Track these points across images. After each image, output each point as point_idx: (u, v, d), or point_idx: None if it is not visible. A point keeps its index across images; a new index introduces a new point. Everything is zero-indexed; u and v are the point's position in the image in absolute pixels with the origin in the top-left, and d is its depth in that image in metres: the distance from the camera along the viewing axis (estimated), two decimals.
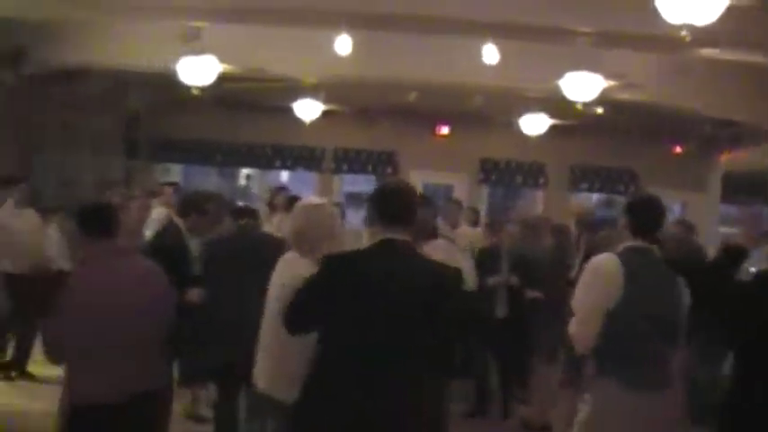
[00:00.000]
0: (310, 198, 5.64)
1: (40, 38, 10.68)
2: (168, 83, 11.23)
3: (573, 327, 4.39)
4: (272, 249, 5.11)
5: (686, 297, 4.48)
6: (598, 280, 4.34)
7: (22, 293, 7.81)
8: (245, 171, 18.18)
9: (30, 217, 8.40)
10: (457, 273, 3.88)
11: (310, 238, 4.45)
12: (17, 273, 8.10)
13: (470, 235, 10.18)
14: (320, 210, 4.64)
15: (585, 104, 10.37)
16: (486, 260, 8.25)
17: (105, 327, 4.08)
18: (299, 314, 3.85)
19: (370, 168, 16.39)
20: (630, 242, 4.44)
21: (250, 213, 7.00)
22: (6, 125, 11.85)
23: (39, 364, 7.99)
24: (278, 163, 16.54)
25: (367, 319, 3.64)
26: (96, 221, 4.33)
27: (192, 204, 6.46)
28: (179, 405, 6.47)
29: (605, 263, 4.36)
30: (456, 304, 3.80)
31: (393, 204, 3.83)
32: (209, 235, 6.67)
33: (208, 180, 17.88)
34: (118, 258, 4.36)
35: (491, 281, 8.10)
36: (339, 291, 3.70)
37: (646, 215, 4.48)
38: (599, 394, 4.33)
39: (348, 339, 3.67)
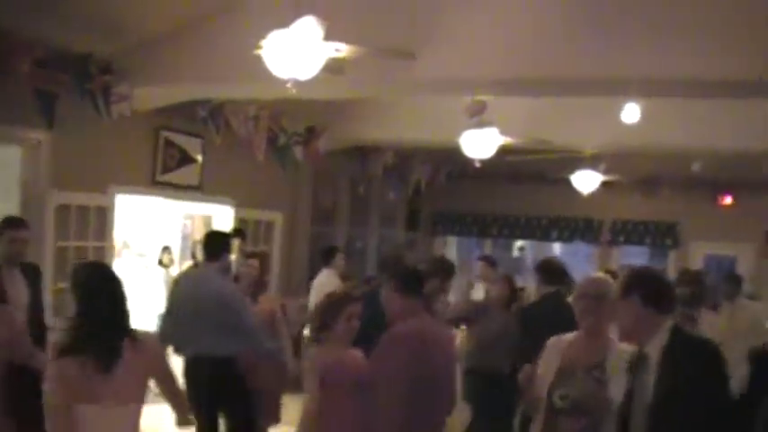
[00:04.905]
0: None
1: (333, 116, 11.36)
2: (450, 156, 11.57)
3: None
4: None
5: None
6: None
7: None
8: (518, 242, 18.29)
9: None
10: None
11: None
12: None
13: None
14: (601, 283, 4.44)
15: None
16: None
17: (429, 373, 4.47)
18: None
19: (648, 240, 16.03)
20: None
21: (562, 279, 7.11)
22: (300, 199, 12.66)
23: None
24: (554, 235, 16.54)
25: None
26: (415, 282, 5.06)
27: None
28: None
29: None
30: None
31: (670, 288, 3.96)
32: None
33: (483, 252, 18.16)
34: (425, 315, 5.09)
35: None
36: None
37: None
38: None
39: None
